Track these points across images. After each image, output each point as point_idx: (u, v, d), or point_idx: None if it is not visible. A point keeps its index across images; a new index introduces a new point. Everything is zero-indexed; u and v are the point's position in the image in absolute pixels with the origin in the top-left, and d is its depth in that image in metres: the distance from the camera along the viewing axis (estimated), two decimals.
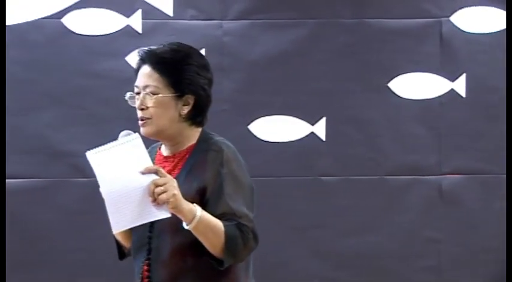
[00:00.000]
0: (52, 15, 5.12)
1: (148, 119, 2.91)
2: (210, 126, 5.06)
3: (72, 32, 5.12)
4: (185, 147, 2.96)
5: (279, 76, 5.19)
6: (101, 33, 5.12)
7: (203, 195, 2.86)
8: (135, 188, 2.73)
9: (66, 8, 5.12)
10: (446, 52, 5.20)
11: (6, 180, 5.05)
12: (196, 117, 2.97)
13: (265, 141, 5.17)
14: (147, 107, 2.90)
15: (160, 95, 2.89)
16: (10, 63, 5.08)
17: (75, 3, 5.12)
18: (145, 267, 2.88)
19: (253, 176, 5.07)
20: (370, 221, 5.21)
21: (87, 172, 4.94)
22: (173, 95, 2.90)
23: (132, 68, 5.01)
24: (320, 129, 5.17)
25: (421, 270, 5.21)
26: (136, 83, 2.95)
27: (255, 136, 5.17)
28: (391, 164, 5.19)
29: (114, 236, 3.00)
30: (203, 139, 2.99)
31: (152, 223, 2.83)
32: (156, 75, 2.91)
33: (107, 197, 2.77)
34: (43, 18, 5.11)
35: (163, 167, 2.88)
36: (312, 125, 5.18)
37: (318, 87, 5.19)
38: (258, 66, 5.16)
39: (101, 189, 2.78)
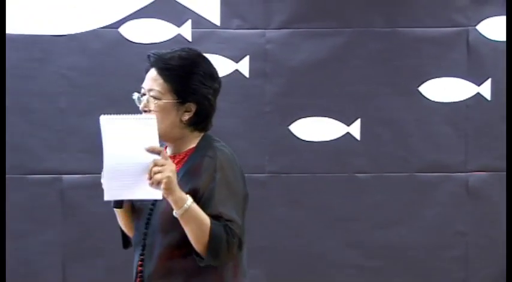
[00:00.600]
0: (110, 25, 5.15)
1: None
2: (255, 126, 5.25)
3: (128, 40, 5.15)
4: (185, 150, 2.89)
5: (317, 81, 5.21)
6: (154, 42, 5.15)
7: (194, 198, 2.74)
8: (135, 163, 2.67)
9: (123, 19, 5.15)
10: (472, 58, 5.18)
11: (66, 176, 5.14)
12: (198, 123, 2.91)
13: (305, 140, 5.18)
14: (150, 110, 2.84)
15: (162, 101, 2.83)
16: (71, 69, 5.15)
17: (131, 14, 5.15)
18: (140, 262, 2.85)
19: (292, 173, 5.28)
20: (401, 215, 5.20)
21: None
22: (175, 101, 2.84)
23: None
24: (355, 129, 5.20)
25: (449, 260, 5.20)
26: (143, 85, 2.92)
27: (295, 136, 5.19)
28: (421, 162, 5.17)
29: (119, 226, 3.01)
30: (203, 144, 2.91)
31: (148, 221, 2.83)
32: (160, 81, 2.86)
33: (107, 162, 2.74)
34: (101, 27, 5.14)
35: None
36: (348, 125, 5.20)
37: (353, 91, 5.19)
38: (298, 71, 5.19)
39: (104, 153, 2.75)
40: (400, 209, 5.21)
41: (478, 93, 5.22)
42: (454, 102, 5.22)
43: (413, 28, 5.21)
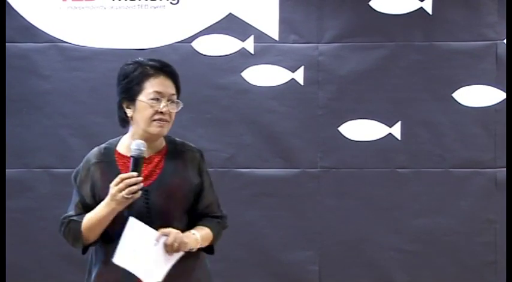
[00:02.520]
0: (184, 40, 5.18)
1: (167, 121, 2.86)
2: (309, 127, 5.26)
3: (200, 53, 5.18)
4: (161, 148, 2.89)
5: (363, 88, 5.19)
6: (222, 54, 5.18)
7: (189, 189, 2.84)
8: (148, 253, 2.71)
9: (195, 35, 5.17)
10: (500, 68, 5.09)
11: None
12: None
13: (352, 140, 5.16)
14: (170, 112, 2.85)
15: (180, 103, 2.89)
16: None
17: (202, 31, 5.18)
18: None
19: (341, 168, 5.28)
20: (438, 205, 5.14)
21: (211, 163, 5.24)
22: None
23: (248, 82, 5.29)
24: (396, 130, 5.17)
25: (480, 245, 5.13)
26: (161, 89, 2.83)
27: (343, 136, 5.18)
28: (455, 159, 5.12)
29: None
30: (169, 141, 2.94)
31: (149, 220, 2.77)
32: (173, 86, 2.89)
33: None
34: (177, 42, 5.18)
35: (145, 167, 2.78)
36: (390, 127, 5.17)
37: (395, 97, 5.16)
38: (346, 80, 5.17)
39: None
40: (437, 200, 5.16)
41: (506, 99, 5.14)
42: (484, 107, 5.16)
43: (448, 42, 5.16)
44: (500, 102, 5.16)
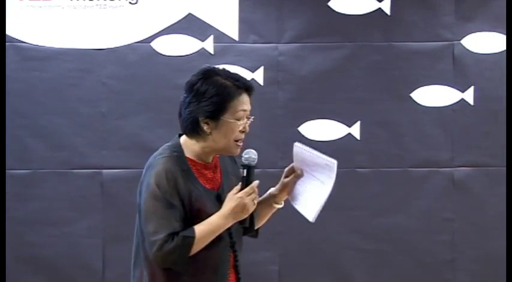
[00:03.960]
0: (143, 40, 5.16)
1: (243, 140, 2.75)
2: (269, 128, 5.26)
3: (159, 53, 5.15)
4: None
5: (323, 88, 5.19)
6: (182, 54, 5.16)
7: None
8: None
9: (154, 35, 5.15)
10: (457, 69, 5.14)
11: (107, 170, 5.14)
12: None
13: (312, 140, 5.12)
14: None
15: (250, 118, 2.77)
16: (110, 78, 5.16)
17: (161, 31, 5.15)
18: (236, 258, 2.78)
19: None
20: (396, 204, 5.16)
21: None
22: None
23: None
24: (356, 130, 5.18)
25: (438, 243, 5.16)
26: (245, 108, 2.72)
27: (303, 136, 5.16)
28: (413, 158, 5.14)
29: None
30: None
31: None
32: (249, 102, 2.78)
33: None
34: (136, 42, 5.15)
35: (208, 172, 2.72)
36: (349, 127, 5.18)
37: (354, 97, 5.16)
38: (306, 80, 5.17)
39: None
40: (395, 199, 5.18)
41: (463, 99, 5.19)
42: (441, 106, 5.19)
43: (406, 42, 5.19)
44: (457, 102, 5.21)
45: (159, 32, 5.19)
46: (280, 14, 5.21)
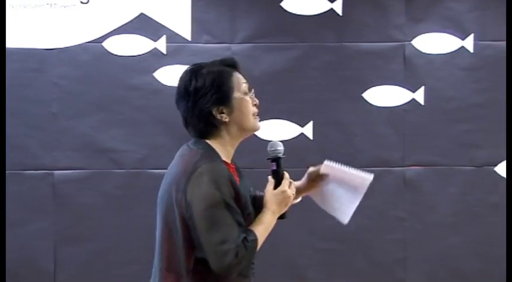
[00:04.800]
0: (94, 39, 5.14)
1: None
2: None
3: (111, 53, 5.14)
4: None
5: (276, 88, 5.20)
6: (134, 54, 5.16)
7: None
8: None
9: (106, 34, 5.14)
10: (408, 69, 5.20)
11: (58, 171, 5.10)
12: None
13: (265, 140, 4.81)
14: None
15: None
16: (62, 79, 5.12)
17: (113, 31, 5.14)
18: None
19: (255, 168, 5.23)
20: None
21: (124, 165, 5.23)
22: None
23: (160, 83, 5.27)
24: (308, 130, 5.21)
25: (390, 242, 5.20)
26: (245, 80, 2.72)
27: (257, 136, 4.94)
28: (365, 157, 5.15)
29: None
30: None
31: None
32: None
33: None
34: (88, 42, 5.13)
35: (236, 174, 2.67)
36: (302, 127, 5.21)
37: (307, 97, 5.19)
38: (259, 80, 5.13)
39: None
40: None
41: (413, 99, 5.24)
42: (392, 106, 5.23)
43: (358, 43, 5.22)
44: (408, 102, 5.26)
45: (111, 31, 5.17)
46: (233, 14, 5.22)
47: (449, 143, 5.25)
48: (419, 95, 5.25)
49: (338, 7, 5.23)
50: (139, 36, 5.18)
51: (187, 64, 5.12)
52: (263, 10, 5.23)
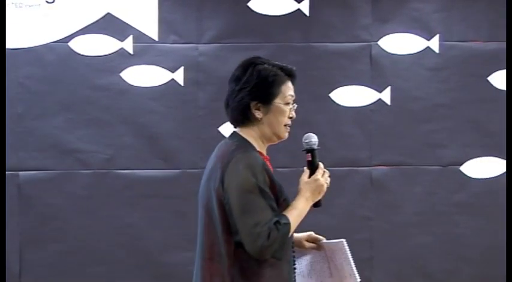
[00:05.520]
0: (60, 39, 5.11)
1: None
2: (189, 128, 5.27)
3: (77, 53, 5.11)
4: None
5: None
6: (100, 54, 5.13)
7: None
8: None
9: (72, 34, 5.11)
10: (375, 69, 5.21)
11: (23, 172, 5.07)
12: None
13: None
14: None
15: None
16: (27, 78, 5.09)
17: (79, 30, 5.11)
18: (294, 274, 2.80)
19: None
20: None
21: (90, 165, 5.21)
22: None
23: (127, 83, 5.26)
24: None
25: (356, 241, 5.07)
26: (293, 94, 2.86)
27: (223, 136, 5.01)
28: (332, 157, 5.10)
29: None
30: None
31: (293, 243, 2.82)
32: None
33: None
34: (53, 42, 5.09)
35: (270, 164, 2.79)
36: None
37: None
38: (226, 80, 4.82)
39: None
40: None
41: (380, 99, 5.26)
42: (359, 106, 5.25)
43: (325, 43, 5.23)
44: (374, 102, 5.28)
45: (77, 31, 5.15)
46: (200, 15, 5.21)
47: (416, 142, 5.27)
48: (386, 95, 5.27)
49: (305, 7, 5.24)
50: (105, 36, 5.16)
51: (155, 64, 5.25)
52: (230, 10, 5.23)
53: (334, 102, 5.25)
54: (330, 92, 5.25)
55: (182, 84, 5.21)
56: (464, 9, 5.30)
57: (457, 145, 5.28)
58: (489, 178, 5.34)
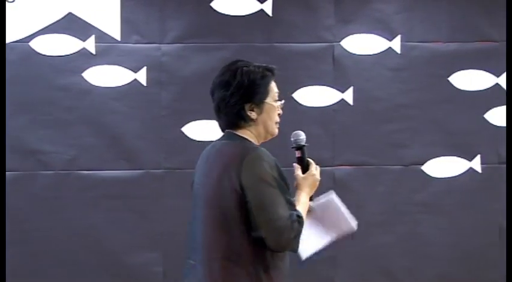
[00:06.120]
0: (21, 39, 5.08)
1: None
2: (152, 128, 5.25)
3: (39, 53, 5.08)
4: None
5: (206, 88, 4.82)
6: (62, 54, 5.10)
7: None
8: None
9: (33, 34, 5.08)
10: (337, 69, 5.23)
11: None
12: None
13: (196, 140, 5.16)
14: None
15: None
16: None
17: (40, 30, 5.09)
18: None
19: (185, 169, 5.28)
20: None
21: (52, 166, 5.16)
22: None
23: (89, 83, 5.23)
24: None
25: None
26: (277, 90, 2.98)
27: (187, 137, 5.18)
28: (295, 157, 5.08)
29: None
30: None
31: None
32: None
33: None
34: (14, 41, 5.06)
35: None
36: None
37: None
38: (189, 80, 5.16)
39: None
40: None
41: (343, 99, 5.28)
42: (322, 106, 5.27)
43: (288, 43, 5.24)
44: (337, 102, 5.30)
45: (38, 31, 5.12)
46: (163, 15, 5.19)
47: (378, 142, 5.30)
48: (348, 95, 5.29)
49: (268, 8, 5.25)
50: (67, 35, 5.13)
51: (117, 64, 5.22)
52: (193, 10, 5.22)
53: (297, 102, 5.26)
54: (293, 92, 5.26)
55: (145, 85, 5.19)
56: (425, 10, 5.34)
57: (418, 145, 5.32)
58: (450, 177, 5.39)
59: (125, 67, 5.16)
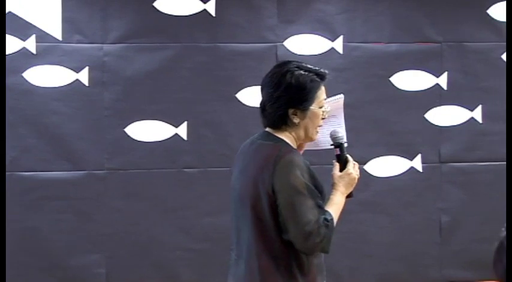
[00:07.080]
0: None
1: None
2: (95, 129, 5.20)
3: None
4: None
5: (149, 88, 5.17)
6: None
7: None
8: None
9: None
10: None
11: None
12: None
13: (139, 141, 5.15)
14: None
15: None
16: None
17: None
18: None
19: (128, 169, 5.26)
20: (224, 204, 4.79)
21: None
22: None
23: (30, 83, 5.17)
24: (183, 130, 5.19)
25: None
26: (325, 96, 2.92)
27: (130, 137, 5.16)
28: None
29: None
30: None
31: None
32: None
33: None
34: None
35: None
36: (176, 127, 5.19)
37: (181, 97, 5.17)
38: (132, 80, 5.14)
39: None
40: (223, 199, 4.88)
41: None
42: None
43: (231, 43, 5.24)
44: None
45: None
46: (105, 14, 5.16)
47: None
48: None
49: (211, 8, 5.24)
50: (7, 35, 5.04)
51: (59, 64, 5.16)
52: (136, 10, 5.19)
53: (241, 102, 5.26)
54: (236, 93, 5.26)
55: (87, 85, 5.14)
56: (366, 11, 5.39)
57: (360, 144, 5.36)
58: (392, 177, 5.45)
59: (67, 67, 5.11)
